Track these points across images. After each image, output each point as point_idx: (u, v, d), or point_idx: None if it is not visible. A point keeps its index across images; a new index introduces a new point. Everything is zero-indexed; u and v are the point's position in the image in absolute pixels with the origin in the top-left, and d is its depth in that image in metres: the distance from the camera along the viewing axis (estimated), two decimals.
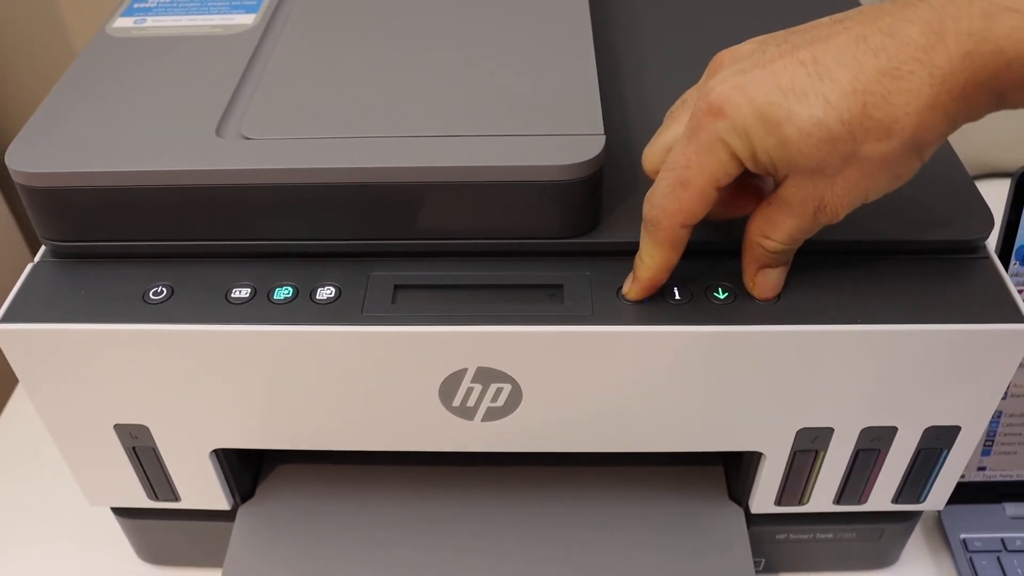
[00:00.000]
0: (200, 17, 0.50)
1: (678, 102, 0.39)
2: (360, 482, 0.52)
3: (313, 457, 0.53)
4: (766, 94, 0.32)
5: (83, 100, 0.43)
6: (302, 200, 0.39)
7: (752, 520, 0.49)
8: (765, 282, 0.38)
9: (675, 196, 0.35)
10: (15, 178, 0.39)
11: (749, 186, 0.38)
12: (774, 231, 0.36)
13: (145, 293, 0.40)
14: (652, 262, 0.37)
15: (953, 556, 0.53)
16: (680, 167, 0.35)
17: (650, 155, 0.39)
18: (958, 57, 0.30)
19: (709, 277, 0.40)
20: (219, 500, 0.48)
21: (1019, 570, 0.52)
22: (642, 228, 0.37)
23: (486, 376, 0.40)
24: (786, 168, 0.33)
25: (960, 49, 0.30)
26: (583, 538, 0.49)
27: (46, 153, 0.40)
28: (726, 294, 0.39)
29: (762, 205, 0.36)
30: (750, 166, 0.34)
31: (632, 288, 0.39)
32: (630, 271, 0.39)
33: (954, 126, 0.32)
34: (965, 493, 0.54)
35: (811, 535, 0.51)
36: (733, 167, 0.34)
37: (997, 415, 0.52)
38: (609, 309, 0.39)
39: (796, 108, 0.32)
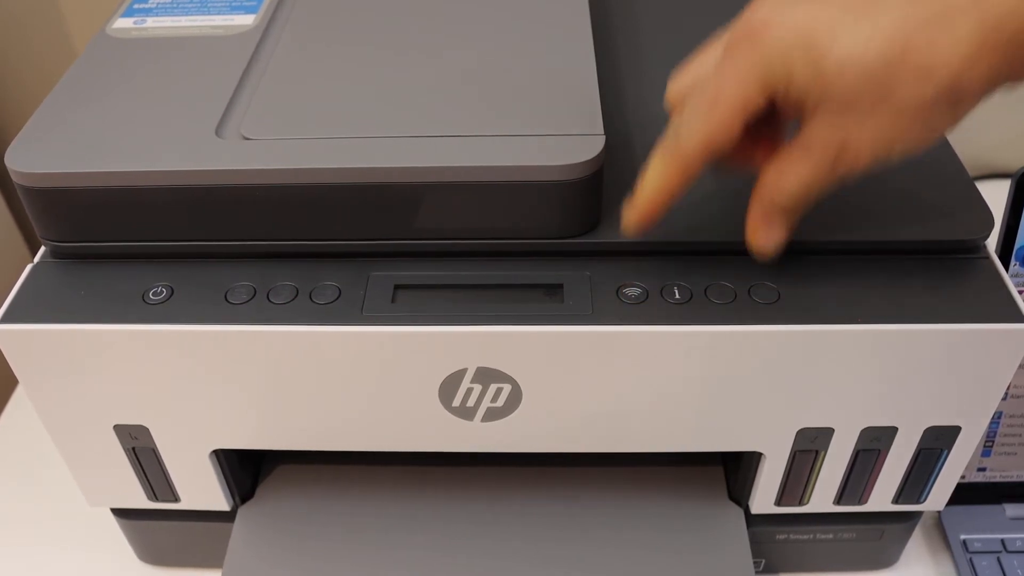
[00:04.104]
0: (200, 18, 0.50)
1: (708, 45, 0.38)
2: (360, 482, 0.52)
3: (313, 457, 0.53)
4: (809, 22, 0.32)
5: (83, 100, 0.43)
6: (302, 200, 0.39)
7: (752, 520, 0.49)
8: (767, 235, 0.37)
9: (703, 115, 0.34)
10: (15, 178, 0.39)
11: (766, 136, 0.37)
12: (789, 177, 0.35)
13: (145, 293, 0.40)
14: (655, 183, 0.36)
15: (953, 557, 0.53)
16: (713, 87, 0.34)
17: (677, 84, 0.38)
18: (1007, 10, 0.30)
19: (709, 277, 0.40)
20: (219, 501, 0.48)
21: (1019, 571, 0.52)
22: (656, 149, 0.36)
23: (486, 376, 0.40)
24: (816, 100, 0.33)
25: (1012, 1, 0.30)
26: (583, 538, 0.49)
27: (46, 153, 0.40)
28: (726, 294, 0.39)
29: (780, 150, 0.35)
30: (780, 97, 0.33)
31: (630, 214, 0.38)
32: (630, 271, 0.39)
33: (993, 84, 0.31)
34: (965, 494, 0.54)
35: (811, 535, 0.51)
36: (762, 97, 0.33)
37: (997, 415, 0.52)
38: (609, 309, 0.39)
39: (839, 40, 0.31)
